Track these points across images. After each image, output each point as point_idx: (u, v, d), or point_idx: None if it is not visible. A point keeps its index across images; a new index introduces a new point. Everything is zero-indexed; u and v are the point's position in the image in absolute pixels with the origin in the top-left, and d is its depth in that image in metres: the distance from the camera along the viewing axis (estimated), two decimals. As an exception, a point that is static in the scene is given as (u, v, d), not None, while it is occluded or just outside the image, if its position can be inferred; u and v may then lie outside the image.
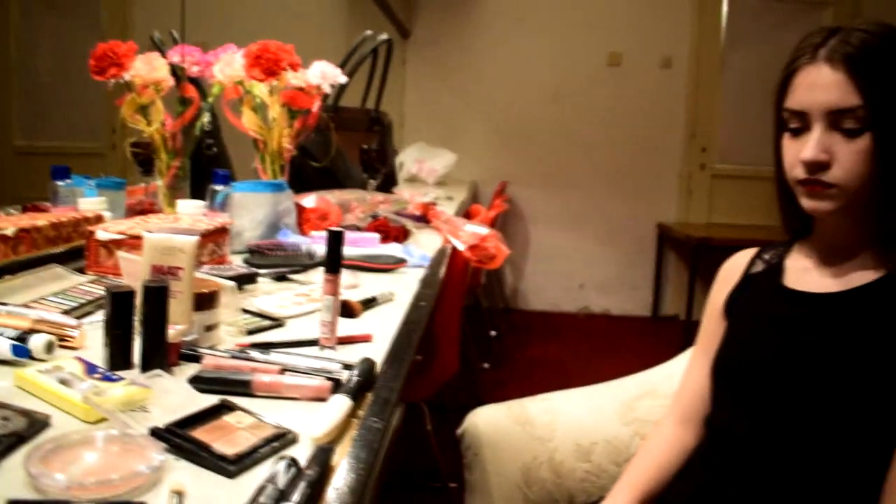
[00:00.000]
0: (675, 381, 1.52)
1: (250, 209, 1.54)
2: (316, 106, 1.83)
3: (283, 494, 0.57)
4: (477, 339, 3.69)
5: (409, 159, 4.01)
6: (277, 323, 1.06)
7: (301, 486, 0.57)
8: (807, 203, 0.97)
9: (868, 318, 0.96)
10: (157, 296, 0.81)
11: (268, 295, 1.18)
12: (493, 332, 4.13)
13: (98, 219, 1.41)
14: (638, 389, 1.57)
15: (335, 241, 0.96)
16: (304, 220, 1.76)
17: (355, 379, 0.80)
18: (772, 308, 1.08)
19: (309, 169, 2.00)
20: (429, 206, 2.05)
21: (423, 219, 2.03)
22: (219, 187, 1.49)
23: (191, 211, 1.48)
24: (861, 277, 0.99)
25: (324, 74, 1.78)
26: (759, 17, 4.63)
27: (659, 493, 1.19)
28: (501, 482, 1.44)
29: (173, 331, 0.85)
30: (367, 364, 0.85)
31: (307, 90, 1.80)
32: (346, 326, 1.07)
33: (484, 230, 1.85)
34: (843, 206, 0.95)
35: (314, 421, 0.70)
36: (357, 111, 2.29)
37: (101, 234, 1.21)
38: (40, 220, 1.28)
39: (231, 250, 1.50)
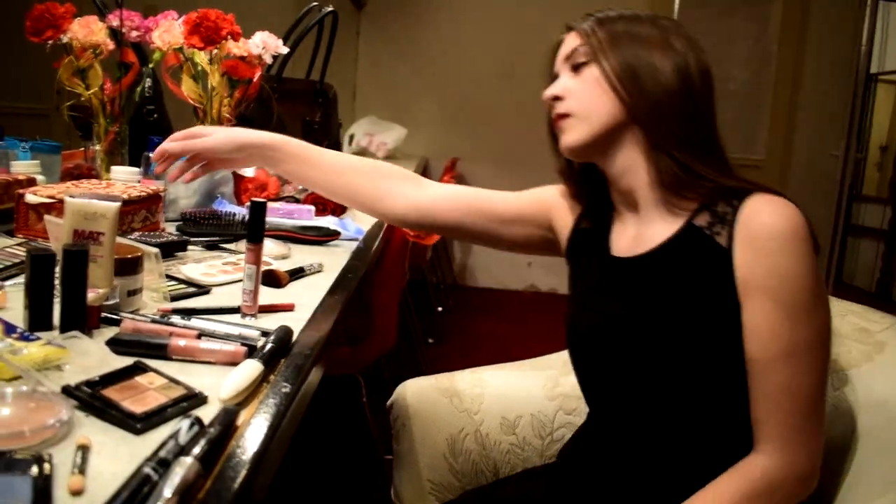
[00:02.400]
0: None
1: (186, 177, 1.54)
2: (257, 76, 1.83)
3: (183, 449, 0.59)
4: (422, 314, 3.73)
5: (359, 132, 4.01)
6: (203, 290, 1.08)
7: (201, 443, 0.60)
8: (560, 144, 1.06)
9: (674, 274, 0.99)
10: (76, 259, 0.83)
11: (196, 263, 1.20)
12: (439, 308, 4.18)
13: (30, 182, 1.41)
14: (564, 366, 1.62)
15: (257, 211, 0.98)
16: (242, 191, 1.77)
17: (269, 345, 0.83)
18: (599, 276, 1.11)
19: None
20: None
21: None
22: (151, 154, 1.49)
23: (125, 177, 1.49)
24: (656, 235, 1.02)
25: (265, 44, 1.78)
26: (707, 4, 4.72)
27: (315, 176, 1.27)
28: (428, 453, 1.49)
29: (93, 294, 0.86)
30: (283, 331, 0.88)
31: (248, 60, 1.80)
32: (271, 296, 1.09)
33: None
34: (590, 139, 1.01)
35: (223, 383, 0.73)
36: (301, 82, 2.29)
37: (30, 197, 1.21)
38: (-32, 181, 1.27)
39: (165, 218, 1.51)
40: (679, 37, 1.00)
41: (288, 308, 1.04)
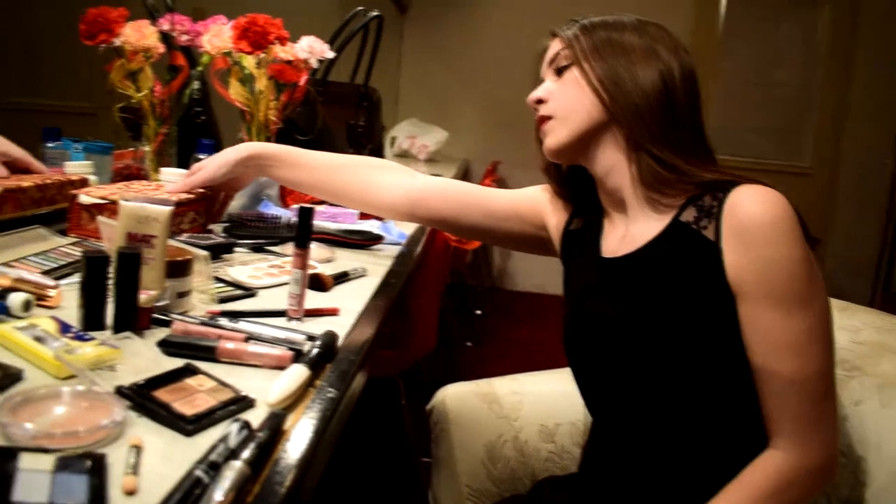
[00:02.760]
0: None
1: (233, 180, 1.56)
2: (303, 80, 1.85)
3: (233, 453, 0.61)
4: (461, 317, 3.73)
5: (401, 135, 4.03)
6: (249, 293, 1.09)
7: (251, 447, 0.61)
8: (543, 147, 1.07)
9: (663, 271, 0.97)
10: (129, 262, 0.85)
11: (243, 265, 1.22)
12: (477, 312, 4.18)
13: (83, 182, 1.44)
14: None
15: (305, 216, 0.99)
16: (286, 193, 1.79)
17: (315, 350, 0.84)
18: (588, 277, 1.10)
19: (295, 142, 2.02)
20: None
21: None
22: (202, 156, 1.51)
23: (173, 179, 1.51)
24: (642, 235, 1.01)
25: (312, 49, 1.80)
26: (755, 10, 4.65)
27: (307, 177, 1.33)
28: (466, 458, 1.49)
29: (145, 296, 0.88)
30: (329, 336, 0.89)
31: (295, 64, 1.82)
32: (315, 299, 1.10)
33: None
34: (572, 141, 1.02)
35: (271, 387, 0.74)
36: (346, 86, 2.31)
37: (84, 198, 1.24)
38: (26, 181, 1.31)
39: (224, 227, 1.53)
40: (663, 44, 1.00)
41: (332, 312, 1.05)
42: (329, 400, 0.77)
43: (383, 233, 1.54)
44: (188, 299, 0.99)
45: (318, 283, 1.16)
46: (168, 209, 0.91)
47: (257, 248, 1.35)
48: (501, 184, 4.66)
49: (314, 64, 1.87)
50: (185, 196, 1.33)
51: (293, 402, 0.75)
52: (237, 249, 1.33)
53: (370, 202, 1.29)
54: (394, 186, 1.27)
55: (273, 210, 1.57)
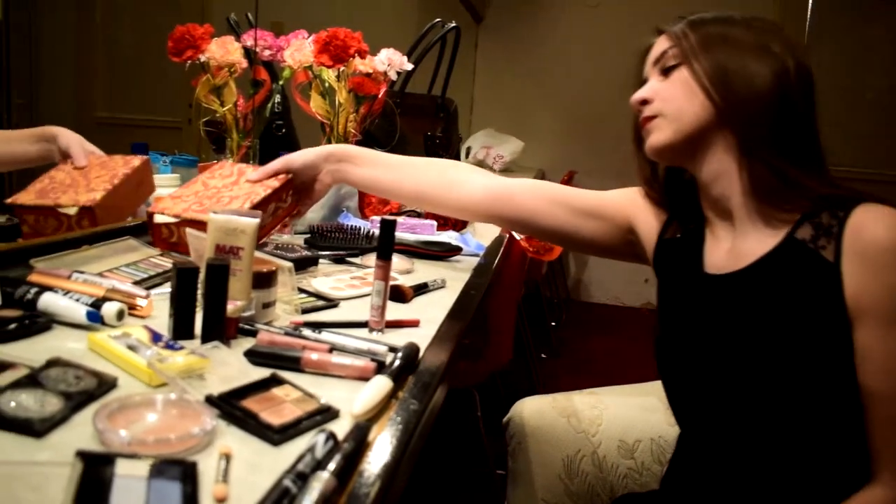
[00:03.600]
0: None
1: (314, 191, 1.59)
2: (382, 92, 1.88)
3: (320, 464, 0.61)
4: (536, 329, 3.70)
5: (476, 145, 4.04)
6: (331, 304, 1.10)
7: (337, 458, 0.61)
8: (646, 146, 1.01)
9: (774, 291, 0.92)
10: (218, 273, 0.87)
11: (325, 276, 1.23)
12: (552, 323, 4.14)
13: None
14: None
15: (387, 229, 1.00)
16: (365, 205, 1.81)
17: (398, 362, 0.84)
18: (687, 294, 1.05)
19: (374, 154, 2.04)
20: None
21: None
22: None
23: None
24: (753, 250, 0.96)
25: (390, 61, 1.82)
26: (844, 11, 4.48)
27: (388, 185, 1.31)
28: (543, 472, 1.47)
29: (232, 306, 0.90)
30: (411, 348, 0.89)
31: (374, 76, 1.85)
32: (396, 310, 1.11)
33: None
34: (678, 140, 0.97)
35: (355, 399, 0.75)
36: (423, 97, 2.32)
37: (158, 217, 1.25)
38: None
39: (294, 231, 1.56)
40: (776, 39, 0.94)
41: (413, 324, 1.05)
42: (412, 412, 0.76)
43: (461, 244, 1.54)
44: (273, 310, 1.00)
45: (399, 295, 1.16)
46: (255, 221, 0.93)
47: (338, 260, 1.37)
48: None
49: (393, 76, 1.89)
50: (266, 186, 1.31)
51: (376, 413, 0.75)
52: (319, 261, 1.35)
53: (451, 201, 1.25)
54: (475, 184, 1.23)
55: (353, 221, 1.59)
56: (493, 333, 2.04)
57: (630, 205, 1.17)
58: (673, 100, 0.97)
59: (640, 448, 1.48)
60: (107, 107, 3.14)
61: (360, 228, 1.48)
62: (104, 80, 3.06)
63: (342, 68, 1.80)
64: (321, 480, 0.57)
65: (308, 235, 1.48)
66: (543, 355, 3.71)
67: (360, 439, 0.67)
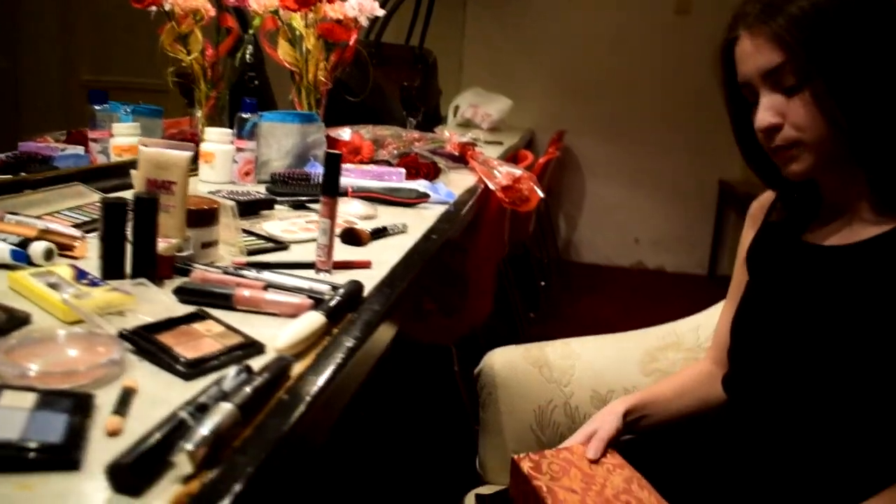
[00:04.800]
0: (702, 334, 1.49)
1: (278, 139, 1.54)
2: (353, 39, 1.81)
3: (225, 395, 0.57)
4: (525, 289, 3.67)
5: (464, 104, 3.96)
6: (281, 246, 1.06)
7: (245, 391, 0.57)
8: (783, 171, 0.95)
9: (880, 271, 0.91)
10: (146, 207, 0.82)
11: (280, 221, 1.19)
12: (542, 283, 4.11)
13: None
14: (662, 341, 1.54)
15: (332, 163, 0.95)
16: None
17: (336, 299, 0.80)
18: (789, 264, 1.04)
19: (347, 104, 1.98)
20: (467, 146, 2.02)
21: (461, 159, 2.00)
22: (246, 115, 1.49)
23: (217, 138, 1.50)
24: (868, 231, 0.94)
25: (361, 7, 1.76)
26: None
27: (669, 413, 1.20)
28: (514, 423, 1.44)
29: (165, 244, 0.86)
30: (353, 286, 0.84)
31: (344, 23, 1.78)
32: (350, 254, 1.06)
33: (518, 171, 1.81)
34: (818, 163, 0.92)
35: (280, 333, 0.70)
36: (400, 48, 2.26)
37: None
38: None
39: (257, 179, 1.51)
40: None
41: (364, 265, 1.01)
42: (346, 349, 0.72)
43: (430, 191, 1.49)
44: (214, 250, 0.96)
45: (354, 238, 1.12)
46: (188, 154, 0.88)
47: (298, 206, 1.32)
48: (567, 153, 4.56)
49: (364, 22, 1.82)
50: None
51: (306, 349, 0.71)
52: (278, 207, 1.30)
53: (698, 395, 1.22)
54: (702, 372, 1.24)
55: (320, 170, 1.53)
56: (471, 288, 2.00)
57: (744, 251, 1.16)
58: (811, 128, 0.90)
59: (613, 398, 1.44)
60: (92, 69, 3.07)
61: (306, 175, 1.43)
62: (89, 42, 2.99)
63: (310, 14, 1.73)
64: (221, 412, 0.53)
65: (269, 182, 1.43)
66: (532, 315, 3.67)
67: (277, 372, 0.63)
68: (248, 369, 0.62)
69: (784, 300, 1.02)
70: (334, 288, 0.86)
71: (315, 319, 0.73)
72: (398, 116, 2.07)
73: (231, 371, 0.61)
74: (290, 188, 1.39)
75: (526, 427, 1.43)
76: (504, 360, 1.47)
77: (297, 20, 1.75)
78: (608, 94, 4.59)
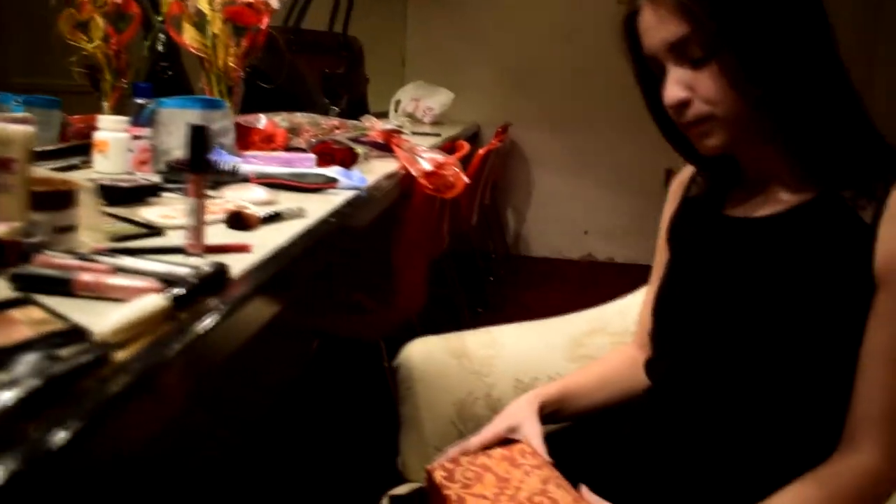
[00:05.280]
0: (628, 317, 1.43)
1: (179, 126, 1.45)
2: (265, 23, 1.73)
3: (13, 383, 0.49)
4: (472, 284, 3.61)
5: (405, 98, 3.90)
6: (154, 231, 0.98)
7: (34, 380, 0.49)
8: (697, 147, 0.92)
9: (798, 242, 0.88)
10: (-24, 186, 0.74)
11: (163, 207, 1.11)
12: (490, 278, 4.06)
13: None
14: (589, 325, 1.49)
15: (197, 136, 0.87)
16: (249, 143, 1.68)
17: (188, 282, 0.72)
18: (709, 239, 1.01)
19: (266, 92, 1.91)
20: (392, 133, 1.95)
21: (386, 147, 1.94)
22: (141, 101, 1.40)
23: (111, 126, 1.41)
24: (787, 201, 0.92)
25: (270, -12, 1.68)
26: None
27: (590, 403, 1.16)
28: (434, 417, 1.37)
29: (3, 227, 0.77)
30: (212, 268, 0.77)
31: (254, 5, 1.70)
32: (235, 238, 0.99)
33: (441, 157, 1.75)
34: (732, 137, 0.89)
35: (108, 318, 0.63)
36: (323, 35, 2.18)
37: None
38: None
39: (155, 170, 1.43)
40: None
41: (243, 249, 0.93)
42: (190, 335, 0.65)
43: (341, 177, 1.42)
44: (72, 236, 0.87)
45: (241, 222, 1.04)
46: (28, 129, 0.80)
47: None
48: (513, 146, 4.51)
49: (275, 5, 1.74)
50: None
51: (140, 335, 0.63)
52: (169, 195, 1.22)
53: (622, 383, 1.17)
54: (625, 360, 1.20)
55: (225, 157, 1.45)
56: (400, 280, 1.93)
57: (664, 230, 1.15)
58: (721, 102, 0.86)
59: (537, 387, 1.38)
60: (24, 73, 2.94)
61: (224, 163, 1.35)
62: (20, 45, 2.86)
63: (215, -5, 1.65)
64: (-7, 402, 0.45)
65: (165, 171, 1.34)
66: (480, 310, 3.62)
67: (92, 360, 0.55)
68: (53, 356, 0.54)
69: (704, 276, 0.98)
70: (196, 271, 0.78)
71: (150, 303, 0.65)
72: (320, 104, 1.99)
73: (30, 358, 0.53)
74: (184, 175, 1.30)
75: (447, 421, 1.37)
76: (422, 352, 1.40)
77: (203, 3, 1.67)
78: (554, 85, 4.56)
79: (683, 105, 0.88)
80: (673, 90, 0.87)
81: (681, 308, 1.01)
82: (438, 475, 1.00)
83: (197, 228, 0.88)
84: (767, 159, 0.93)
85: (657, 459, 0.99)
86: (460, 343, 1.41)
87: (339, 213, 1.20)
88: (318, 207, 1.22)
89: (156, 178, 1.33)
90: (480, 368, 1.39)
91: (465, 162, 3.08)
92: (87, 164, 1.44)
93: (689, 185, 1.12)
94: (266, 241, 0.98)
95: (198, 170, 0.87)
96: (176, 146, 1.47)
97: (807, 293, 0.85)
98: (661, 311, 1.06)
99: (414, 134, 2.71)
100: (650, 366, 1.10)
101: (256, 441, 1.94)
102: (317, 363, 2.00)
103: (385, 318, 1.92)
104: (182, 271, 0.78)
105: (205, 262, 0.82)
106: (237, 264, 0.84)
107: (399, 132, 1.99)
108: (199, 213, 0.87)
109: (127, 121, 1.42)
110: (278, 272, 0.86)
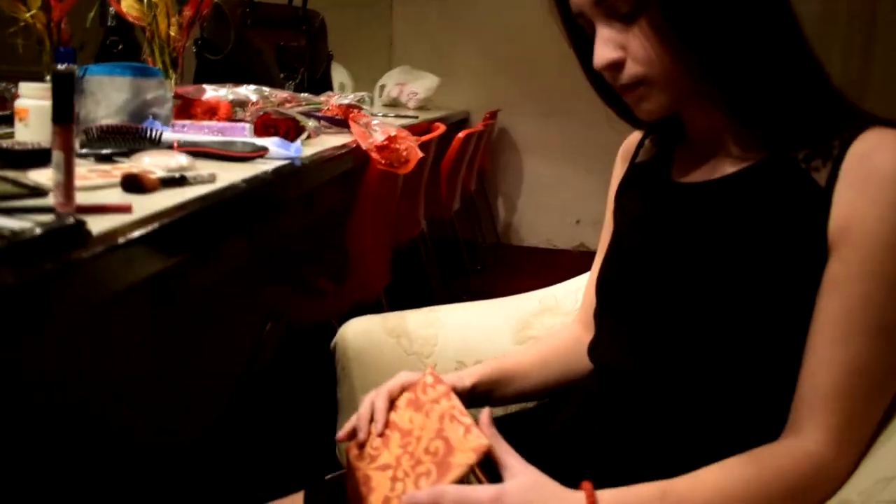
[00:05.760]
0: (580, 296, 1.35)
1: (107, 94, 1.38)
2: (209, -9, 1.66)
3: None
4: (456, 273, 3.54)
5: (390, 83, 3.82)
6: (37, 192, 0.91)
7: None
8: (635, 111, 0.85)
9: (748, 207, 0.81)
10: None
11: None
12: (478, 267, 3.98)
13: None
14: (538, 305, 1.41)
15: (60, 84, 0.80)
16: (191, 115, 1.61)
17: (24, 237, 0.65)
18: (654, 206, 0.94)
19: (219, 64, 1.84)
20: (350, 107, 1.87)
21: (343, 123, 1.86)
22: (61, 66, 1.33)
23: (33, 93, 1.34)
24: (732, 165, 0.85)
25: (211, -48, 1.61)
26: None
27: (528, 385, 1.08)
28: (370, 399, 1.30)
29: None
30: (55, 224, 0.70)
31: (197, -28, 1.63)
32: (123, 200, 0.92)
33: (395, 130, 1.68)
34: (670, 100, 0.82)
35: None
36: (281, 8, 2.11)
37: None
38: None
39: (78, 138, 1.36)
40: None
41: (122, 210, 0.86)
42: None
43: (276, 147, 1.34)
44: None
45: (136, 185, 0.97)
46: None
47: (103, 158, 1.17)
48: (502, 133, 4.43)
49: (219, -29, 1.68)
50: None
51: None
52: (82, 161, 1.15)
53: (561, 363, 1.10)
54: (567, 338, 1.13)
55: (155, 126, 1.38)
56: (358, 258, 1.86)
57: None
58: (654, 62, 0.79)
59: (478, 369, 1.31)
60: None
61: (143, 130, 1.28)
62: None
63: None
64: None
65: (84, 138, 1.27)
66: (464, 297, 3.54)
67: None
68: None
69: (648, 246, 0.91)
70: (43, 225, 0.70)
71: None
72: (276, 79, 1.92)
73: None
74: (106, 143, 1.23)
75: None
76: (359, 331, 1.33)
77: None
78: (545, 71, 4.46)
79: (617, 67, 0.81)
80: (602, 51, 0.81)
81: (623, 281, 0.94)
82: (352, 455, 0.93)
83: (65, 185, 0.80)
84: (710, 121, 0.86)
85: (603, 443, 0.91)
86: (400, 322, 1.34)
87: (260, 181, 1.12)
88: (238, 176, 1.15)
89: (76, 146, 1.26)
90: (421, 349, 1.32)
91: (444, 146, 3.01)
92: (9, 134, 1.37)
93: (637, 151, 1.04)
94: (159, 204, 0.91)
95: (62, 121, 0.80)
96: (104, 115, 1.40)
97: (755, 263, 0.78)
98: (605, 284, 0.98)
99: (389, 117, 2.64)
100: (593, 346, 1.02)
101: (206, 426, 1.88)
102: (269, 346, 1.93)
103: (339, 299, 1.84)
104: (27, 226, 0.71)
105: (62, 219, 0.75)
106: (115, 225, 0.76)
107: (358, 108, 1.92)
108: (66, 167, 0.80)
109: (49, 88, 1.35)
110: (152, 233, 0.79)
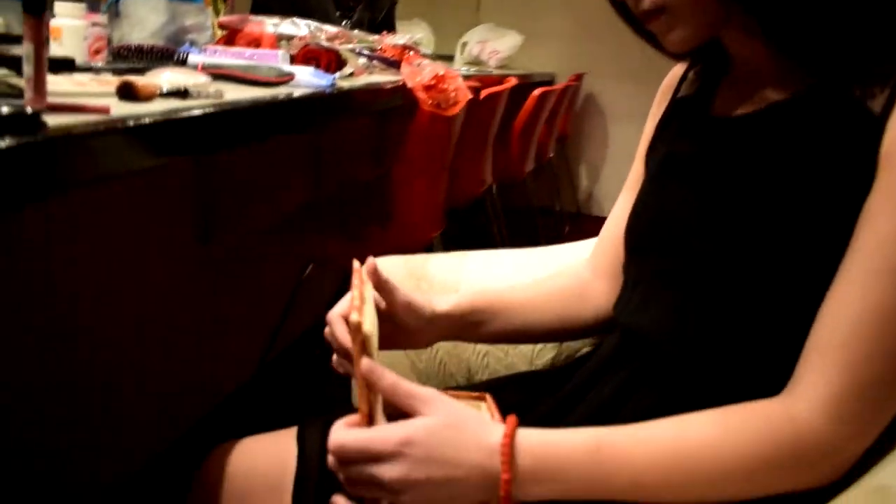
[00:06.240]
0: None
1: (141, 16, 1.36)
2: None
3: None
4: (527, 240, 3.45)
5: (472, 40, 3.73)
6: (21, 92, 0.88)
7: None
8: (662, 43, 0.77)
9: (788, 140, 0.71)
10: None
11: (82, 76, 1.02)
12: (552, 235, 3.87)
13: None
14: (576, 255, 1.31)
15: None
16: (232, 44, 1.58)
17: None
18: (693, 142, 0.84)
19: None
20: (406, 48, 1.81)
21: (396, 64, 1.79)
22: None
23: (68, 12, 1.33)
24: (771, 96, 0.75)
25: None
26: None
27: (521, 324, 0.97)
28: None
29: None
30: (14, 109, 0.66)
31: None
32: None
33: (443, 70, 1.60)
34: (697, 29, 0.73)
35: None
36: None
37: None
38: None
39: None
40: None
41: (100, 110, 0.82)
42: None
43: (306, 76, 1.29)
44: None
45: (130, 92, 0.93)
46: None
47: (119, 72, 1.15)
48: (588, 98, 4.27)
49: None
50: None
51: None
52: (102, 75, 1.13)
53: (563, 306, 1.00)
54: (574, 282, 1.01)
55: (186, 49, 1.35)
56: (402, 200, 1.80)
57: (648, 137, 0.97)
58: None
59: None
60: None
61: (171, 51, 1.25)
62: None
63: None
64: None
65: (112, 56, 1.26)
66: (533, 265, 3.45)
67: None
68: None
69: (684, 184, 0.81)
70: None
71: None
72: (332, 16, 1.87)
73: None
74: (129, 62, 1.21)
75: (398, 353, 1.22)
76: (381, 269, 1.27)
77: None
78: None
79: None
80: None
81: (658, 225, 0.84)
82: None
83: (34, 79, 0.77)
84: (750, 49, 0.76)
85: (623, 405, 0.82)
86: (422, 264, 1.27)
87: (265, 103, 1.07)
88: (252, 96, 1.10)
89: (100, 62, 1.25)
90: (441, 293, 1.24)
91: (516, 104, 2.90)
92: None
93: (679, 85, 0.94)
94: (148, 110, 0.87)
95: (32, 11, 0.76)
96: (138, 38, 1.39)
97: (800, 201, 0.68)
98: (635, 229, 0.88)
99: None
100: (620, 306, 0.91)
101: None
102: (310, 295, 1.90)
103: (384, 243, 1.79)
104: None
105: (19, 109, 0.72)
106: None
107: (415, 49, 1.85)
108: (36, 61, 0.76)
109: (83, 7, 1.34)
110: (114, 130, 0.75)
